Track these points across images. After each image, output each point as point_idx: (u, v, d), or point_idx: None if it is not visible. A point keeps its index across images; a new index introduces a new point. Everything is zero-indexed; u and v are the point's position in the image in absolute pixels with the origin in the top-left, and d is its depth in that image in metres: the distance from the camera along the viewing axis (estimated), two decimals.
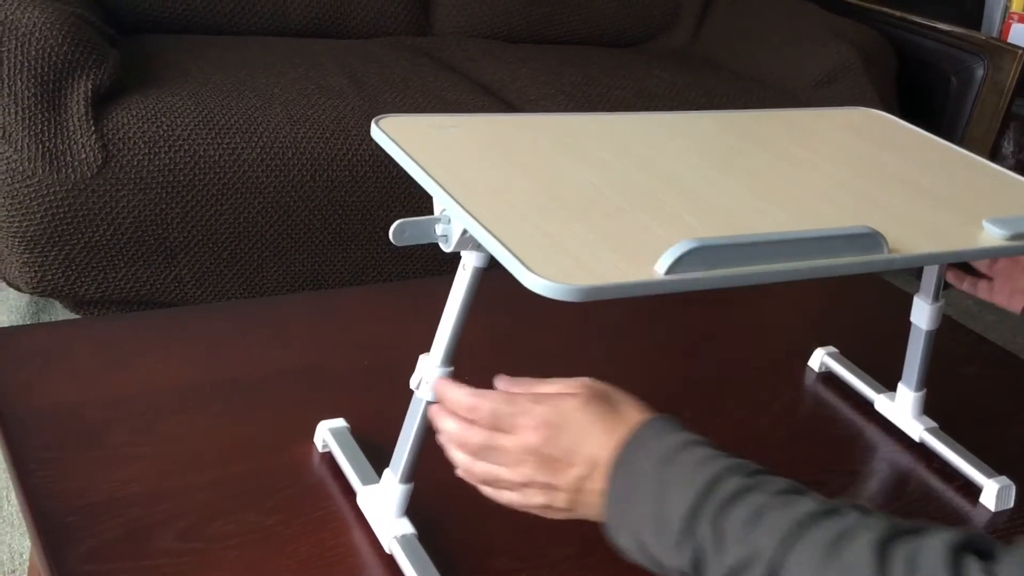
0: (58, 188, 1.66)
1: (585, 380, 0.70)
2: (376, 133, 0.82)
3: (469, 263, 0.75)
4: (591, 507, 0.67)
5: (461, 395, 0.72)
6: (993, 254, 0.79)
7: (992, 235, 0.79)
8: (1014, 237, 0.79)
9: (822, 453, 1.05)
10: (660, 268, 0.64)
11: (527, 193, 0.74)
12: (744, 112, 1.02)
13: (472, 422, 0.71)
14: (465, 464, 0.72)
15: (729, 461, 0.62)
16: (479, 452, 0.71)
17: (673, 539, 0.59)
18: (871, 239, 0.72)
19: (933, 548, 0.50)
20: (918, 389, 1.06)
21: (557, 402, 0.68)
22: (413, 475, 0.81)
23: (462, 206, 0.70)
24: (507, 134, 0.86)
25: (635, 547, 0.63)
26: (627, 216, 0.73)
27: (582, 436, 0.65)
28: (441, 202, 0.73)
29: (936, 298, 1.02)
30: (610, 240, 0.68)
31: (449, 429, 0.72)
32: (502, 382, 0.73)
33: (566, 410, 0.67)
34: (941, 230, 0.80)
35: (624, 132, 0.91)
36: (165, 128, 1.73)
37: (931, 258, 0.77)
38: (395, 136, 0.80)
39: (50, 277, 1.74)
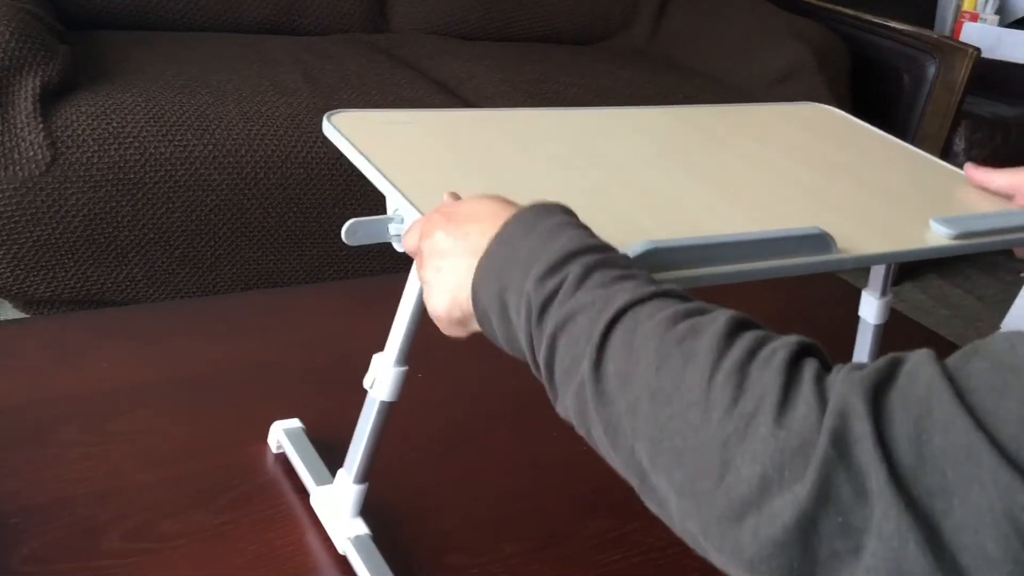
0: (5, 186, 1.63)
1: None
2: (328, 129, 0.81)
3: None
4: (470, 269, 0.61)
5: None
6: (939, 253, 0.81)
7: (939, 234, 0.80)
8: (959, 236, 0.80)
9: None
10: None
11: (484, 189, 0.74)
12: (700, 107, 1.03)
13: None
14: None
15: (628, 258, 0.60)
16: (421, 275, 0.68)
17: (541, 271, 0.56)
18: (821, 239, 0.73)
19: (780, 344, 0.48)
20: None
21: (461, 201, 0.66)
22: (368, 475, 0.81)
23: (415, 207, 0.70)
24: (461, 130, 0.86)
25: (494, 296, 0.59)
26: (582, 216, 0.72)
27: (480, 211, 0.63)
28: (394, 202, 0.73)
29: (884, 293, 1.03)
30: None
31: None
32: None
33: (468, 201, 0.65)
34: (889, 230, 0.81)
35: (580, 127, 0.91)
36: (115, 125, 1.71)
37: (878, 258, 0.78)
38: (347, 133, 0.79)
39: None
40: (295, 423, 0.92)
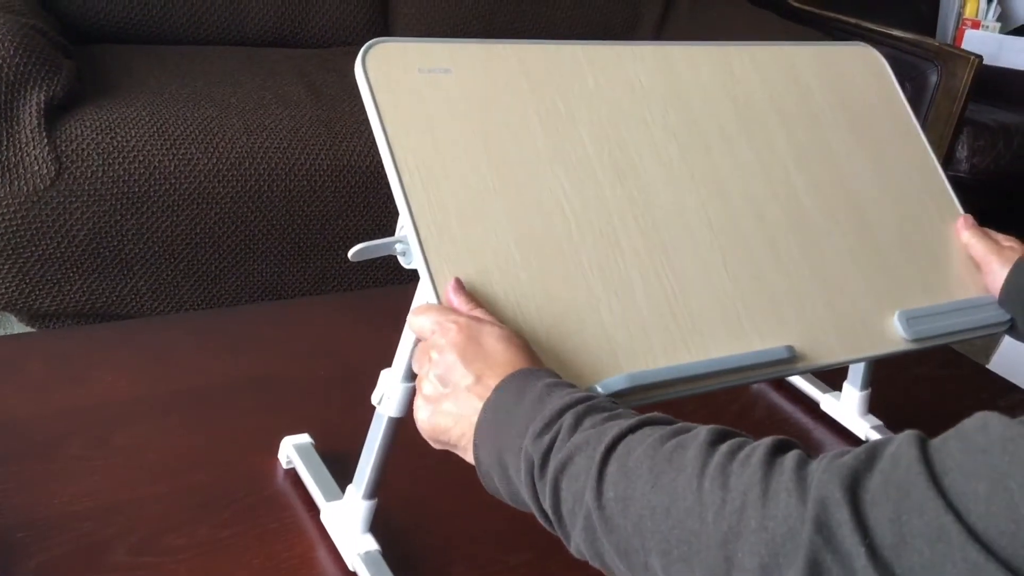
0: (11, 201, 1.64)
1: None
2: (360, 76, 0.76)
3: (422, 292, 0.75)
4: (466, 430, 0.65)
5: (414, 312, 0.72)
6: (893, 355, 0.88)
7: (898, 335, 0.88)
8: (916, 340, 0.88)
9: None
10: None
11: (495, 233, 0.75)
12: (750, 49, 0.98)
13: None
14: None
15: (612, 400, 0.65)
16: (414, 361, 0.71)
17: (538, 428, 0.60)
18: (787, 361, 0.80)
19: (758, 444, 0.52)
20: (863, 388, 1.08)
21: (480, 323, 0.68)
22: (376, 491, 0.81)
23: (424, 254, 0.71)
24: (498, 92, 0.81)
25: (494, 460, 0.62)
26: (581, 281, 0.76)
27: (483, 354, 0.66)
28: (405, 227, 0.73)
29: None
30: (554, 335, 0.73)
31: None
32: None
33: (484, 331, 0.67)
34: (855, 325, 0.86)
35: (619, 92, 0.87)
36: (120, 139, 1.71)
37: (835, 365, 0.85)
38: (378, 93, 0.75)
39: (4, 290, 1.72)
40: (305, 438, 0.92)
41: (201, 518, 0.83)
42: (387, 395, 0.78)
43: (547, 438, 0.59)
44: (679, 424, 0.58)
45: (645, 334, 0.76)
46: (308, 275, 1.96)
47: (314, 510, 0.86)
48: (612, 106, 0.86)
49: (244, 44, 2.36)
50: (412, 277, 0.77)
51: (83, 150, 1.68)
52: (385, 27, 2.59)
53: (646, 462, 0.54)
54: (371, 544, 0.81)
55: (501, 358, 0.66)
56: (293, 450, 0.91)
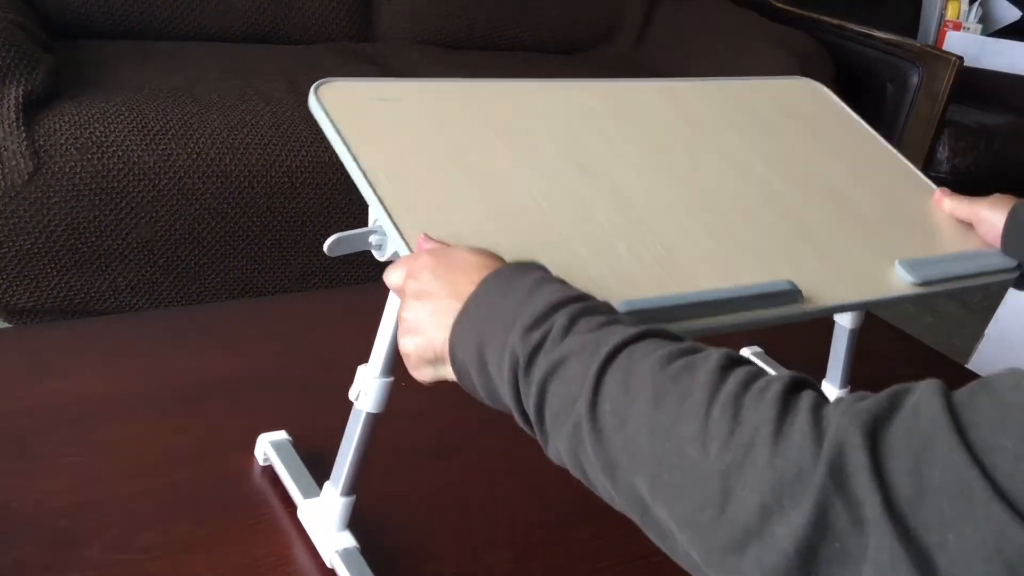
0: None
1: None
2: (313, 105, 0.78)
3: None
4: (443, 323, 0.63)
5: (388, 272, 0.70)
6: (901, 301, 0.84)
7: (902, 280, 0.83)
8: (922, 283, 0.83)
9: None
10: None
11: (467, 210, 0.74)
12: (691, 84, 1.00)
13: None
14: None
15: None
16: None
17: (527, 323, 0.57)
18: (790, 295, 0.76)
19: (773, 378, 0.49)
20: (842, 386, 1.08)
21: (451, 247, 0.67)
22: (354, 487, 0.81)
23: (399, 230, 0.70)
24: (450, 115, 0.83)
25: (473, 351, 0.60)
26: (562, 244, 0.74)
27: (457, 264, 0.64)
28: (375, 212, 0.72)
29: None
30: None
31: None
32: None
33: (455, 249, 0.66)
34: (856, 272, 0.82)
35: (572, 112, 0.89)
36: (99, 134, 1.70)
37: (842, 307, 0.81)
38: (333, 114, 0.77)
39: None
40: (282, 435, 0.92)
41: (177, 515, 0.83)
42: (364, 391, 0.77)
43: (536, 335, 0.56)
44: (686, 343, 0.54)
45: (636, 283, 0.73)
46: (288, 272, 1.95)
47: (291, 507, 0.85)
48: (567, 122, 0.87)
49: (226, 40, 2.35)
50: None
51: (62, 145, 1.67)
52: (368, 24, 2.58)
53: (649, 379, 0.51)
54: (349, 541, 0.80)
55: (476, 263, 0.63)
56: (270, 447, 0.90)
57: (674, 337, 0.56)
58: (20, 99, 1.64)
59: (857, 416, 0.44)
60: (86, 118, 1.71)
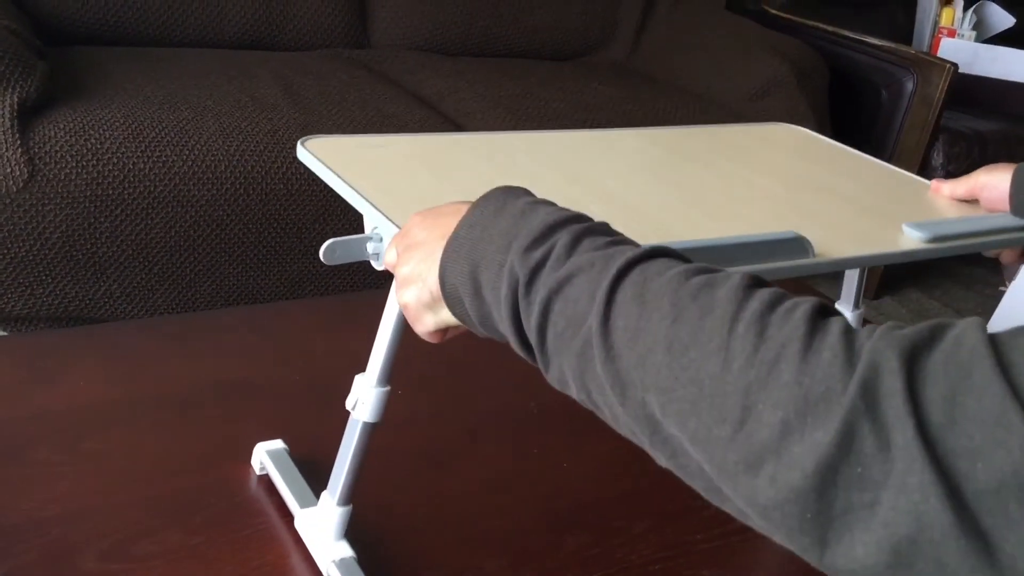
0: None
1: None
2: (303, 155, 0.82)
3: None
4: (434, 256, 0.62)
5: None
6: (913, 257, 0.82)
7: (911, 238, 0.82)
8: (932, 240, 0.82)
9: None
10: None
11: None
12: (673, 129, 1.04)
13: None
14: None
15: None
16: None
17: (525, 243, 0.55)
18: (797, 243, 0.74)
19: (801, 300, 0.48)
20: None
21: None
22: (351, 497, 0.80)
23: (394, 223, 0.70)
24: (438, 153, 0.86)
25: (466, 276, 0.58)
26: None
27: (450, 209, 0.63)
28: (372, 220, 0.72)
29: (856, 305, 1.05)
30: None
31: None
32: None
33: (446, 204, 0.65)
34: (863, 235, 0.82)
35: (554, 148, 0.92)
36: (93, 141, 1.70)
37: (854, 261, 0.79)
38: (322, 156, 0.80)
39: None
40: (278, 444, 0.92)
41: (172, 525, 0.82)
42: (361, 400, 0.77)
43: (537, 254, 0.55)
44: (701, 264, 0.52)
45: (643, 237, 0.73)
46: (284, 280, 1.95)
47: (288, 517, 0.85)
48: (550, 156, 0.90)
49: (221, 47, 2.35)
50: (386, 282, 0.77)
51: (56, 152, 1.66)
52: (363, 30, 2.58)
53: (667, 296, 0.49)
54: (346, 551, 0.80)
55: (464, 206, 0.62)
56: (266, 456, 0.90)
57: (688, 259, 0.54)
58: (15, 106, 1.64)
59: (896, 341, 0.43)
60: (81, 125, 1.70)
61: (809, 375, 0.43)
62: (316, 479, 0.85)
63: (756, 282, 0.50)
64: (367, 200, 0.73)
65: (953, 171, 2.79)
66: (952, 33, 3.42)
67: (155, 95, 1.87)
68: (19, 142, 1.64)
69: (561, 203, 0.77)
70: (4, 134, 1.63)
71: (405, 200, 0.74)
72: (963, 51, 3.29)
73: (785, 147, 1.04)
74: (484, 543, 0.86)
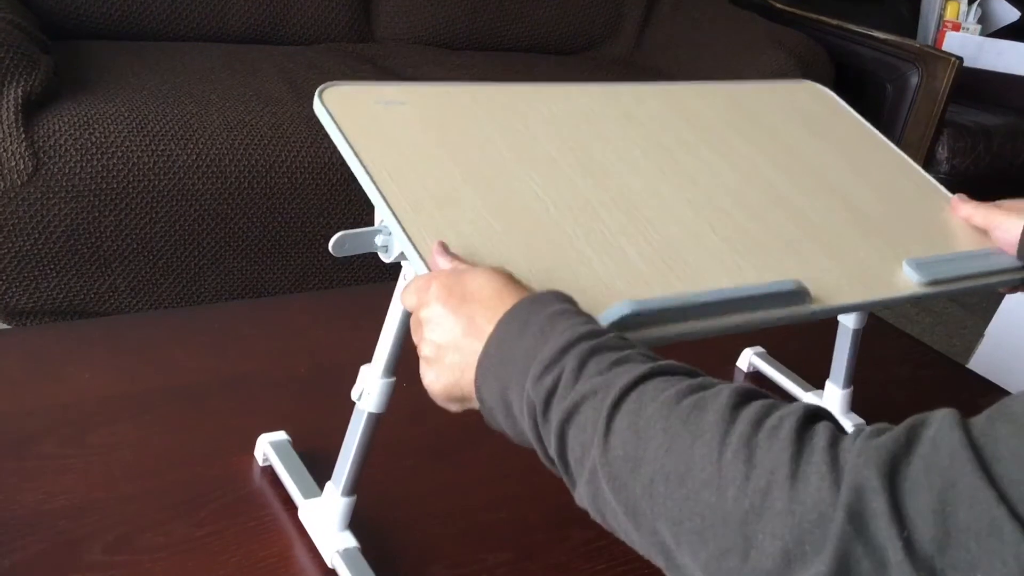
0: None
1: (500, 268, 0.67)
2: (319, 109, 0.78)
3: (410, 274, 0.75)
4: (468, 370, 0.63)
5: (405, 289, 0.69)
6: (908, 300, 0.83)
7: (909, 279, 0.82)
8: (930, 283, 0.82)
9: None
10: None
11: (472, 210, 0.73)
12: (692, 87, 1.00)
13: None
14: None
15: (619, 334, 0.60)
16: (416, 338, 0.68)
17: (538, 371, 0.56)
18: (795, 295, 0.75)
19: (786, 413, 0.48)
20: (846, 386, 1.08)
21: (459, 272, 0.65)
22: (355, 488, 0.80)
23: (404, 229, 0.70)
24: (454, 117, 0.83)
25: (498, 396, 0.60)
26: (567, 244, 0.74)
27: (471, 297, 0.63)
28: (381, 212, 0.72)
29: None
30: (549, 284, 0.69)
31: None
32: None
33: (465, 277, 0.64)
34: (863, 269, 0.82)
35: (574, 115, 0.89)
36: (98, 135, 1.70)
37: (850, 307, 0.80)
38: (338, 117, 0.77)
39: None
40: (281, 435, 0.92)
41: (177, 517, 0.83)
42: (367, 390, 0.77)
43: (548, 381, 0.56)
44: (696, 378, 0.53)
45: (644, 281, 0.73)
46: (289, 272, 1.95)
47: (292, 508, 0.85)
48: (568, 125, 0.87)
49: (225, 41, 2.35)
50: (392, 275, 0.77)
51: (61, 146, 1.67)
52: (367, 24, 2.58)
53: (659, 421, 0.50)
54: (350, 541, 0.80)
55: (487, 293, 0.63)
56: (270, 447, 0.90)
57: (685, 371, 0.55)
58: (19, 100, 1.64)
59: (875, 454, 0.43)
60: (85, 119, 1.70)
61: (800, 502, 0.44)
62: (319, 471, 0.85)
63: (743, 398, 0.50)
64: (378, 189, 0.72)
65: (958, 165, 2.79)
66: (957, 27, 3.41)
67: (159, 89, 1.87)
68: (24, 136, 1.64)
69: (575, 210, 0.78)
70: (9, 128, 1.63)
71: (418, 192, 0.73)
72: (968, 45, 3.28)
73: (807, 122, 1.01)
74: (488, 535, 0.86)
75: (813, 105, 1.05)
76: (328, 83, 0.81)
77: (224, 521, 0.83)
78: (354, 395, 0.78)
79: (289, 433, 0.92)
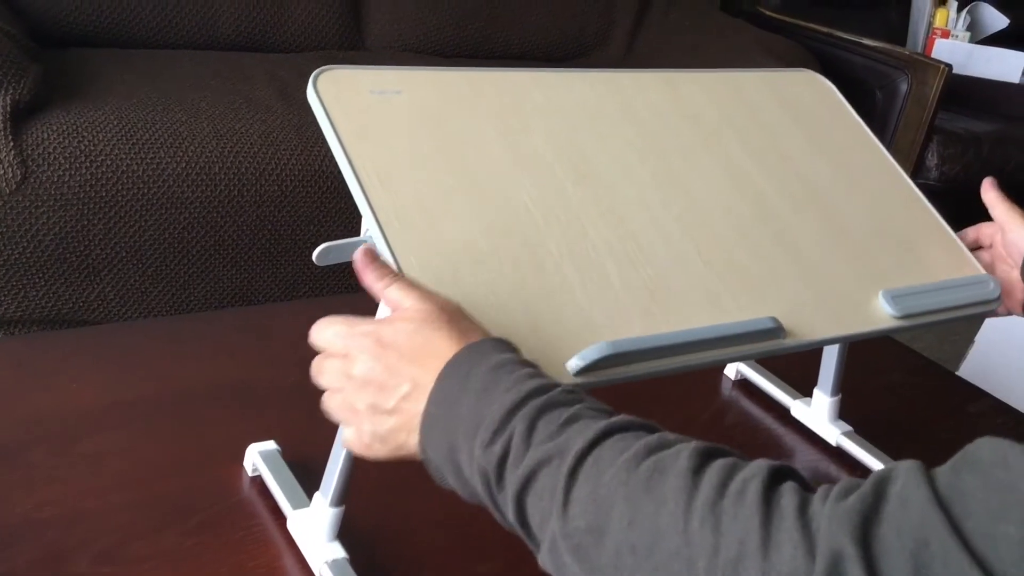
0: None
1: (434, 299, 0.64)
2: (312, 98, 0.77)
3: None
4: (413, 430, 0.61)
5: (316, 325, 0.68)
6: (882, 333, 0.85)
7: (884, 313, 0.85)
8: (904, 316, 0.84)
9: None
10: (571, 367, 0.68)
11: (460, 226, 0.74)
12: (692, 76, 0.99)
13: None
14: (323, 397, 0.68)
15: (564, 385, 0.59)
16: (322, 380, 0.67)
17: (486, 437, 0.54)
18: (770, 332, 0.77)
19: (750, 475, 0.47)
20: (834, 394, 1.08)
21: (391, 323, 0.63)
22: (344, 498, 0.80)
23: (388, 245, 0.70)
24: (451, 110, 0.82)
25: (445, 457, 0.58)
26: (552, 267, 0.74)
27: (407, 356, 0.61)
28: (368, 225, 0.72)
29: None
30: (530, 313, 0.70)
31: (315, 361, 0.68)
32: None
33: (397, 332, 0.62)
34: (839, 304, 0.83)
35: (573, 108, 0.88)
36: (87, 143, 1.69)
37: (822, 342, 0.82)
38: (330, 108, 0.76)
39: None
40: (271, 445, 0.91)
41: (166, 527, 0.82)
42: None
43: (498, 447, 0.54)
44: (653, 435, 0.52)
45: (623, 312, 0.74)
46: (279, 281, 1.95)
47: (281, 518, 0.85)
48: (565, 120, 0.86)
49: (215, 48, 2.35)
50: None
51: (50, 154, 1.66)
52: (357, 31, 2.58)
53: (620, 489, 0.49)
54: (338, 552, 0.80)
55: (428, 349, 0.60)
56: (259, 457, 0.90)
57: (640, 426, 0.54)
58: (7, 108, 1.64)
59: (845, 519, 0.42)
60: (74, 127, 1.70)
61: (775, 572, 0.43)
62: (309, 480, 0.85)
63: (704, 458, 0.49)
64: (365, 197, 0.72)
65: (947, 172, 2.80)
66: (946, 34, 3.43)
67: (149, 97, 1.86)
68: (12, 144, 1.64)
69: (564, 225, 0.78)
70: None
71: (407, 202, 0.73)
72: (957, 52, 3.30)
73: (804, 120, 1.01)
74: (478, 546, 0.86)
75: (812, 99, 1.05)
76: (325, 67, 0.79)
77: (213, 531, 0.83)
78: None
79: (279, 442, 0.92)
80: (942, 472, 0.43)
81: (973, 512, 0.40)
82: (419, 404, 0.60)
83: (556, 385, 0.58)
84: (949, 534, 0.40)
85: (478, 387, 0.57)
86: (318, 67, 0.80)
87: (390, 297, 0.66)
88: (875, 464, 1.04)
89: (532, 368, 0.59)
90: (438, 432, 0.58)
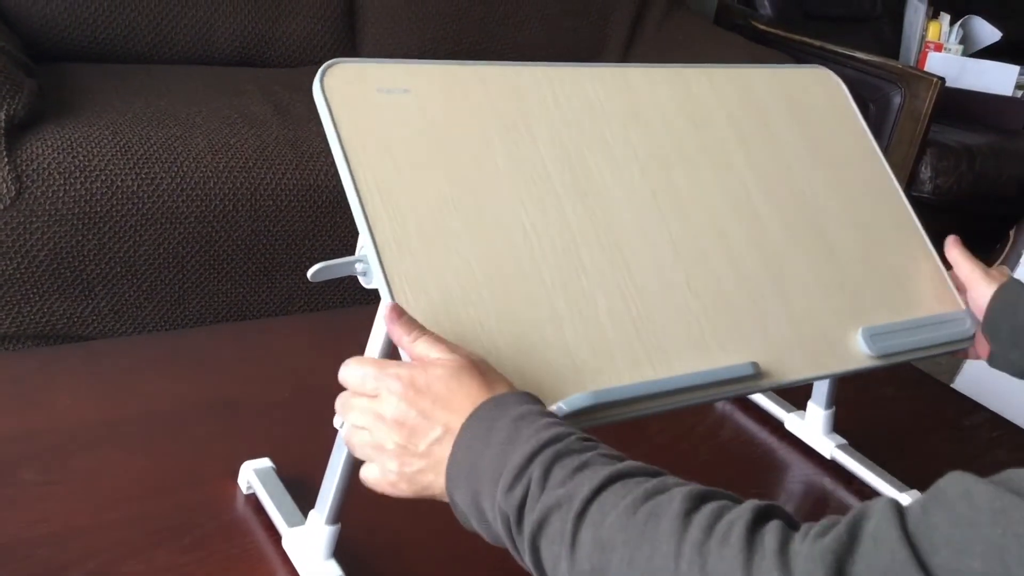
0: None
1: (460, 351, 0.67)
2: (318, 96, 0.76)
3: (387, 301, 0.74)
4: (440, 474, 0.64)
5: (346, 365, 0.70)
6: (859, 371, 0.88)
7: (862, 352, 0.87)
8: (881, 356, 0.88)
9: (739, 475, 1.06)
10: (556, 412, 0.69)
11: (457, 252, 0.74)
12: (704, 71, 0.98)
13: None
14: (345, 432, 0.70)
15: (581, 433, 0.62)
16: (349, 417, 0.69)
17: (507, 483, 0.58)
18: (751, 377, 0.80)
19: (736, 517, 0.50)
20: (828, 407, 1.08)
21: (424, 369, 0.65)
22: (339, 516, 0.80)
23: (384, 272, 0.71)
24: (458, 110, 0.81)
25: (470, 503, 0.61)
26: (543, 299, 0.75)
27: (440, 402, 0.64)
28: (364, 244, 0.72)
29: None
30: (518, 348, 0.72)
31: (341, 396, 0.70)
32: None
33: (431, 378, 0.65)
34: (818, 342, 0.86)
35: (580, 109, 0.87)
36: (82, 158, 1.69)
37: (800, 382, 0.84)
38: (336, 109, 0.75)
39: None
40: (265, 463, 0.91)
41: (160, 544, 0.82)
42: None
43: (518, 492, 0.58)
44: (654, 480, 0.56)
45: (609, 352, 0.76)
46: (274, 296, 1.94)
47: (275, 536, 0.84)
48: (572, 125, 0.86)
49: (210, 63, 2.35)
50: (376, 298, 0.76)
51: (44, 169, 1.66)
52: (352, 47, 2.59)
53: (620, 534, 0.52)
54: (334, 570, 0.79)
55: (459, 396, 0.64)
56: (254, 475, 0.89)
57: (643, 471, 0.57)
58: (2, 123, 1.64)
59: (821, 558, 0.45)
60: (69, 142, 1.70)
61: None
62: (304, 498, 0.84)
63: (696, 502, 0.52)
64: (364, 213, 0.72)
65: (941, 184, 2.81)
66: (939, 47, 3.44)
67: (144, 112, 1.86)
68: (7, 159, 1.63)
69: (559, 251, 0.78)
70: None
71: (404, 217, 0.73)
72: (950, 65, 3.31)
73: (808, 127, 1.01)
74: (472, 562, 0.86)
75: (822, 99, 1.05)
76: (334, 60, 0.78)
77: (207, 549, 0.82)
78: (336, 423, 0.77)
79: (274, 459, 0.91)
80: (912, 509, 0.45)
81: (939, 548, 0.43)
82: (447, 448, 0.63)
83: (572, 433, 0.61)
84: (916, 571, 0.42)
85: (502, 437, 0.60)
86: (312, 83, 0.79)
87: (418, 351, 0.68)
88: (869, 477, 1.04)
89: (552, 418, 0.63)
90: (463, 479, 0.62)
